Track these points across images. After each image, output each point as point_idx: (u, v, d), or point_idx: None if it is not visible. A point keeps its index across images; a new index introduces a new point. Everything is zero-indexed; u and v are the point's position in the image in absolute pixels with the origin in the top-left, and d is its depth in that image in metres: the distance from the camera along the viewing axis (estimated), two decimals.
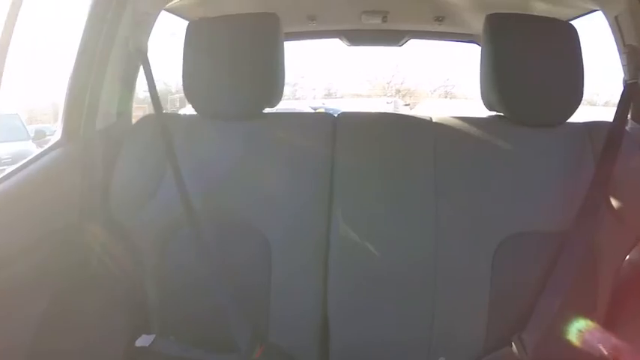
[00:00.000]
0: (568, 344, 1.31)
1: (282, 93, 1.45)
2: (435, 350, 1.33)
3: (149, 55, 1.55)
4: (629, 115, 1.48)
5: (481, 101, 1.44)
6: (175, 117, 1.50)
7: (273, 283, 1.35)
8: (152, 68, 1.50)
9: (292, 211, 1.36)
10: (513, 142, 1.37)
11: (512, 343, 1.28)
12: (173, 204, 1.35)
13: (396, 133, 1.44)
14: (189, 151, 1.40)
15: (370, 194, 1.37)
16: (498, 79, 1.36)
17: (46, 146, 1.43)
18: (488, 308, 1.31)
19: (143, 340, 1.38)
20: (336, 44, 2.65)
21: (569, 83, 1.36)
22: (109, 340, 1.37)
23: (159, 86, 1.46)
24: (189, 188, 1.35)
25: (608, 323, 1.36)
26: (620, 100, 1.39)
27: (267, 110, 1.47)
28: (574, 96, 1.36)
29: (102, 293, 1.40)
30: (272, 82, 1.42)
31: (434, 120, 1.45)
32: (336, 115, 1.47)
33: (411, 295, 1.33)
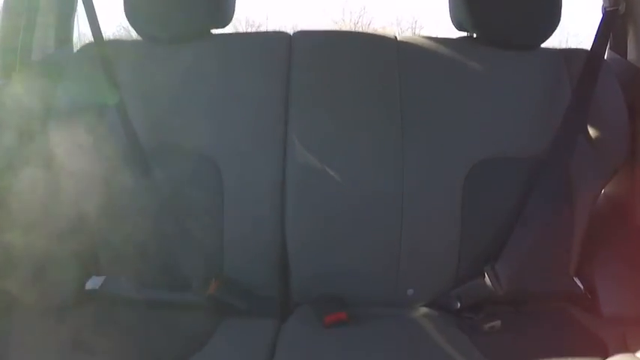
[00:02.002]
0: (543, 275, 1.32)
1: (232, 12, 1.40)
2: (402, 282, 1.31)
3: None
4: (607, 46, 1.46)
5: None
6: (118, 43, 1.43)
7: (226, 214, 1.31)
8: None
9: (245, 137, 1.32)
10: (484, 64, 1.34)
11: (485, 274, 1.27)
12: (117, 136, 1.30)
13: (357, 52, 1.39)
14: (134, 79, 1.34)
15: (329, 118, 1.32)
16: None
17: None
18: (460, 238, 1.29)
19: (93, 283, 1.34)
20: None
21: (546, 3, 1.33)
22: (58, 284, 1.31)
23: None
24: (133, 118, 1.30)
25: (584, 256, 1.37)
26: (598, 28, 1.36)
27: (216, 31, 1.42)
28: (550, 18, 1.33)
29: (47, 236, 1.32)
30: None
31: (398, 38, 1.40)
32: (291, 34, 1.42)
33: (376, 224, 1.30)
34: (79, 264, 1.34)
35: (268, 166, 1.32)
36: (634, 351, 1.10)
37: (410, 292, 1.32)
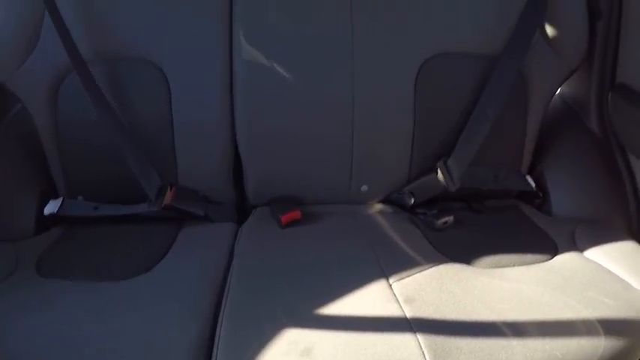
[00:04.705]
0: (495, 173, 1.38)
1: None
2: (356, 179, 1.36)
3: None
4: None
5: None
6: None
7: (175, 119, 1.32)
8: None
9: (188, 37, 1.31)
10: None
11: (438, 170, 1.32)
12: (57, 50, 1.28)
13: None
14: None
15: (276, 9, 1.32)
16: None
17: None
18: (412, 134, 1.33)
19: (51, 207, 1.35)
20: None
21: None
22: (16, 213, 1.33)
23: None
24: (72, 27, 1.28)
25: (536, 155, 1.44)
26: None
27: None
28: None
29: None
30: None
31: None
32: None
33: (327, 120, 1.33)
34: (35, 190, 1.36)
35: (215, 67, 1.32)
36: (582, 250, 1.20)
37: (364, 188, 1.37)
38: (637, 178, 1.35)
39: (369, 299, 1.02)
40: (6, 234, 1.28)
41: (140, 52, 1.32)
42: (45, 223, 1.34)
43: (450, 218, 1.29)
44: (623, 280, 1.09)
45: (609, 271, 1.12)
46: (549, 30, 1.34)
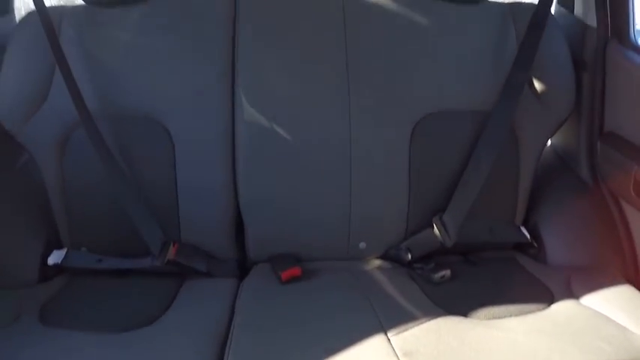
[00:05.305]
0: (490, 225, 1.42)
1: None
2: (354, 236, 1.40)
3: None
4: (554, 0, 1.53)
5: None
6: (61, 10, 1.44)
7: (179, 177, 1.37)
8: None
9: (192, 98, 1.37)
10: (431, 17, 1.41)
11: (434, 226, 1.36)
12: (66, 105, 1.33)
13: (303, 5, 1.44)
14: (79, 45, 1.37)
15: (276, 73, 1.38)
16: None
17: None
18: (408, 191, 1.38)
19: (55, 257, 1.38)
20: None
21: None
22: (21, 262, 1.37)
23: None
24: (81, 85, 1.34)
25: (530, 206, 1.48)
26: None
27: None
28: None
29: (4, 214, 1.39)
30: None
31: None
32: None
33: (326, 180, 1.38)
34: (40, 239, 1.40)
35: (218, 128, 1.37)
36: (578, 297, 1.22)
37: (362, 245, 1.41)
38: (630, 224, 1.39)
39: (368, 353, 1.05)
40: (10, 282, 1.32)
41: (146, 110, 1.37)
42: (48, 273, 1.38)
43: (447, 272, 1.32)
44: (620, 325, 1.12)
45: (606, 317, 1.15)
46: (537, 84, 1.40)
